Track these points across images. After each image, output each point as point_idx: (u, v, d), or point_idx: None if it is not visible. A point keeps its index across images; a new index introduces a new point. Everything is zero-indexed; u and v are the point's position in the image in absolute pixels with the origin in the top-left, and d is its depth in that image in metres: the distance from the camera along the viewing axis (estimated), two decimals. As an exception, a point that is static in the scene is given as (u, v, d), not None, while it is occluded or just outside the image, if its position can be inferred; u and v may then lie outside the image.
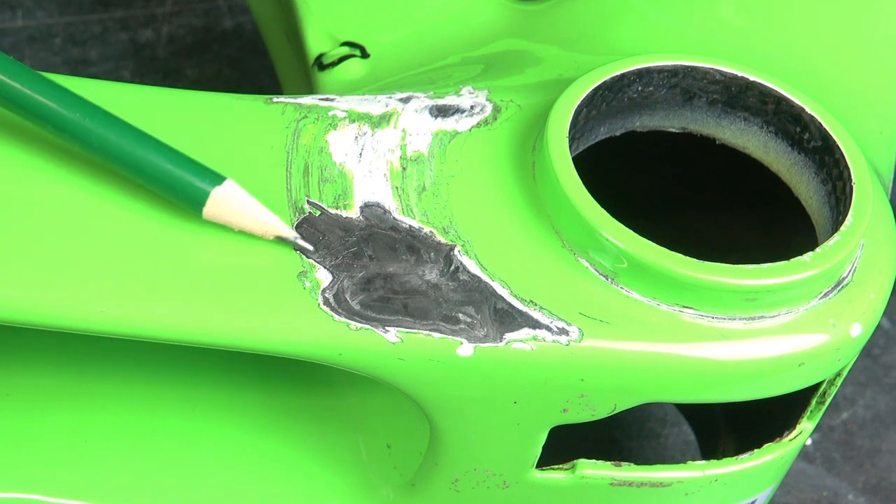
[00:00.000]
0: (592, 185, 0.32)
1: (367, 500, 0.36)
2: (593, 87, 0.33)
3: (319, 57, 0.40)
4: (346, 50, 0.40)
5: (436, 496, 0.34)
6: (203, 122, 0.33)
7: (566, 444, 0.34)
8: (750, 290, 0.30)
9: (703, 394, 0.31)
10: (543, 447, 0.32)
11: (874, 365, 0.53)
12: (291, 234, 0.30)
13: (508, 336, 0.30)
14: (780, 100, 0.34)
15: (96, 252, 0.30)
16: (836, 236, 0.31)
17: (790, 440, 0.34)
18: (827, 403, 0.35)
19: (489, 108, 0.34)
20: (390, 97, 0.35)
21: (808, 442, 0.50)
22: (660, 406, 0.49)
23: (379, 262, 0.31)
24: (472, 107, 0.34)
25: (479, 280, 0.30)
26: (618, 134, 0.36)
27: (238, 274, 0.30)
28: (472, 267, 0.31)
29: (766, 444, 0.34)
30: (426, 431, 0.32)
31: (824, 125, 0.33)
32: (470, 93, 0.35)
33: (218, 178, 0.30)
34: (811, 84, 0.35)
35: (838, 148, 0.33)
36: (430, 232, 0.31)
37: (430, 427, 0.32)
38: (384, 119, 0.34)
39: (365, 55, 0.40)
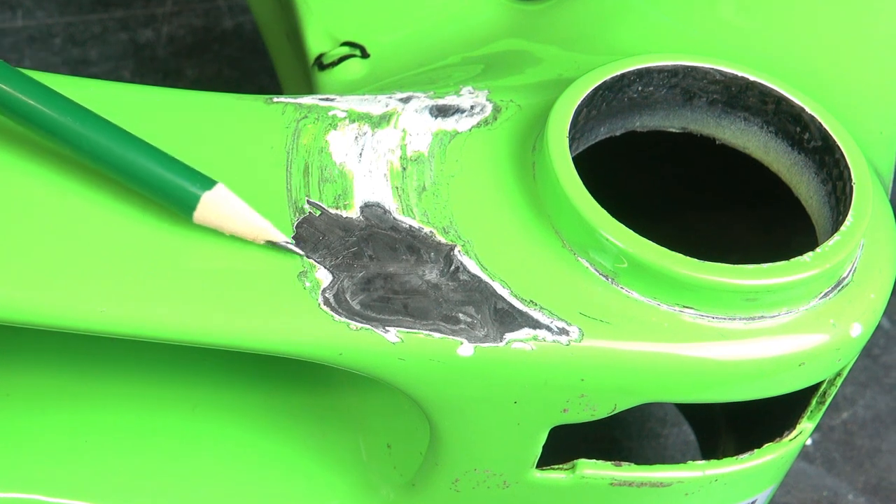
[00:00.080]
0: (592, 185, 0.32)
1: (367, 500, 0.36)
2: (593, 87, 0.33)
3: (319, 57, 0.40)
4: (346, 50, 0.40)
5: (436, 496, 0.34)
6: (203, 122, 0.33)
7: (566, 444, 0.34)
8: (750, 290, 0.30)
9: (703, 394, 0.31)
10: (543, 447, 0.32)
11: (874, 365, 0.53)
12: (282, 238, 0.30)
13: (508, 336, 0.30)
14: (780, 100, 0.34)
15: (96, 252, 0.30)
16: (836, 236, 0.31)
17: (790, 440, 0.34)
18: (827, 403, 0.35)
19: (489, 108, 0.34)
20: (390, 97, 0.35)
21: (808, 442, 0.50)
22: (660, 406, 0.49)
23: (379, 262, 0.31)
24: (472, 107, 0.34)
25: (480, 280, 0.30)
26: (618, 134, 0.36)
27: (238, 274, 0.30)
28: (473, 267, 0.31)
29: (766, 444, 0.34)
30: (426, 431, 0.32)
31: (824, 125, 0.33)
32: (470, 93, 0.35)
33: (209, 183, 0.30)
34: (811, 84, 0.35)
35: (838, 148, 0.33)
36: (431, 232, 0.31)
37: (430, 427, 0.32)
38: (384, 119, 0.34)
39: (365, 55, 0.40)
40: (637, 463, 0.33)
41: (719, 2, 0.36)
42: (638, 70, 0.34)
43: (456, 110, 0.34)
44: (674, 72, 0.34)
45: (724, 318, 0.30)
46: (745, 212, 0.41)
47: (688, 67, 0.34)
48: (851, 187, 0.32)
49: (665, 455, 0.49)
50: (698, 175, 0.40)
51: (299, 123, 0.34)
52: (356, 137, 0.33)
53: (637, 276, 0.30)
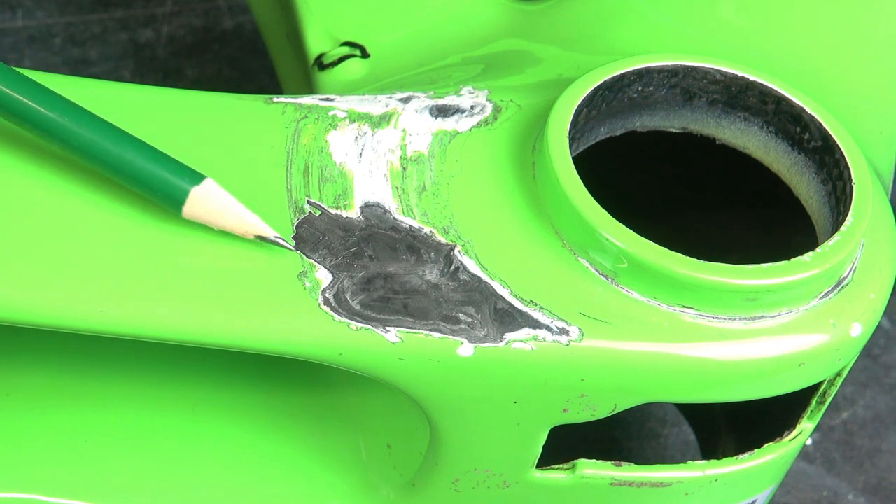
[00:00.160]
0: (592, 185, 0.32)
1: (367, 500, 0.36)
2: (593, 87, 0.33)
3: (319, 57, 0.40)
4: (346, 50, 0.40)
5: (436, 496, 0.34)
6: (203, 122, 0.33)
7: (566, 444, 0.34)
8: (750, 290, 0.30)
9: (703, 394, 0.31)
10: (543, 447, 0.32)
11: (874, 365, 0.53)
12: (272, 233, 0.30)
13: (508, 336, 0.30)
14: (780, 100, 0.34)
15: (96, 252, 0.30)
16: (837, 236, 0.31)
17: (790, 440, 0.34)
18: (827, 403, 0.35)
19: (489, 108, 0.34)
20: (390, 97, 0.35)
21: (808, 442, 0.50)
22: (660, 406, 0.49)
23: (379, 262, 0.31)
24: (472, 107, 0.34)
25: (480, 280, 0.30)
26: (618, 134, 0.36)
27: (238, 274, 0.30)
28: (473, 267, 0.31)
29: (766, 444, 0.34)
30: (426, 431, 0.32)
31: (824, 125, 0.33)
32: (470, 93, 0.35)
33: (198, 178, 0.30)
34: (811, 84, 0.35)
35: (838, 148, 0.33)
36: (431, 232, 0.31)
37: (430, 427, 0.32)
38: (384, 119, 0.34)
39: (365, 55, 0.40)
40: (637, 463, 0.33)
41: (719, 2, 0.36)
42: (638, 70, 0.34)
43: (456, 110, 0.34)
44: (674, 72, 0.34)
45: (724, 318, 0.30)
46: (745, 212, 0.41)
47: (688, 67, 0.34)
48: (851, 187, 0.32)
49: (665, 455, 0.49)
50: (698, 175, 0.40)
51: (299, 123, 0.34)
52: (356, 137, 0.33)
53: (637, 276, 0.30)
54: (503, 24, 0.40)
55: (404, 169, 0.33)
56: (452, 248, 0.31)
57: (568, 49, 0.38)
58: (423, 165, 0.33)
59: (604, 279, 0.31)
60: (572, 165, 0.31)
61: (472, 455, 0.32)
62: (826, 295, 0.31)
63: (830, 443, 0.50)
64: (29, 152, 0.31)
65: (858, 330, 0.31)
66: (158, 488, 0.35)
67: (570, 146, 0.32)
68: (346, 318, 0.29)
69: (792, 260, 0.30)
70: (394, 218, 0.32)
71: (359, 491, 0.36)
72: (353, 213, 0.32)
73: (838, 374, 0.34)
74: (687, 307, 0.30)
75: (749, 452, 0.34)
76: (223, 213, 0.30)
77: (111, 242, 0.30)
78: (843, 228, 0.31)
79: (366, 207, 0.32)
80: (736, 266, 0.30)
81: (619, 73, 0.34)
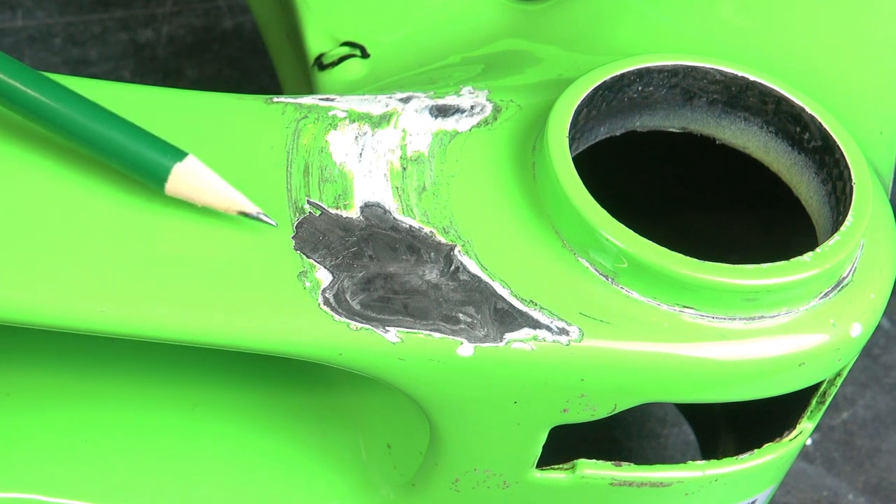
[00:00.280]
0: (592, 185, 0.32)
1: (367, 499, 0.36)
2: (593, 87, 0.33)
3: (319, 57, 0.40)
4: (346, 50, 0.40)
5: (436, 496, 0.34)
6: (203, 122, 0.33)
7: (566, 444, 0.34)
8: (750, 290, 0.30)
9: (703, 394, 0.31)
10: (543, 447, 0.32)
11: (874, 365, 0.53)
12: (254, 209, 0.30)
13: (508, 336, 0.30)
14: (780, 100, 0.34)
15: (96, 252, 0.30)
16: (837, 236, 0.31)
17: (790, 440, 0.34)
18: (827, 403, 0.35)
19: (489, 108, 0.34)
20: (390, 97, 0.35)
21: (808, 442, 0.50)
22: (660, 406, 0.49)
23: (379, 262, 0.31)
24: (472, 107, 0.34)
25: (480, 280, 0.30)
26: (618, 134, 0.36)
27: (238, 274, 0.30)
28: (473, 267, 0.31)
29: (766, 444, 0.34)
30: (426, 431, 0.32)
31: (824, 125, 0.33)
32: (470, 93, 0.35)
33: (180, 154, 0.30)
34: (811, 84, 0.35)
35: (838, 148, 0.33)
36: (431, 232, 0.31)
37: (430, 427, 0.32)
38: (384, 119, 0.34)
39: (365, 55, 0.40)
40: (637, 463, 0.33)
41: (719, 2, 0.36)
42: (638, 70, 0.34)
43: (456, 110, 0.34)
44: (674, 72, 0.34)
45: (724, 318, 0.30)
46: (745, 212, 0.41)
47: (688, 67, 0.34)
48: (851, 187, 0.32)
49: (665, 455, 0.49)
50: (698, 175, 0.40)
51: (299, 123, 0.34)
52: (356, 137, 0.33)
53: (637, 276, 0.30)
54: (503, 24, 0.40)
55: (404, 169, 0.33)
56: (452, 248, 0.31)
57: (568, 49, 0.38)
58: (423, 165, 0.33)
59: (604, 279, 0.31)
60: (572, 165, 0.31)
61: (472, 455, 0.32)
62: (826, 295, 0.31)
63: (830, 443, 0.50)
64: (25, 152, 0.31)
65: (858, 330, 0.31)
66: (158, 488, 0.35)
67: (570, 146, 0.32)
68: (346, 318, 0.29)
69: (792, 260, 0.30)
70: (394, 218, 0.32)
71: (359, 490, 0.36)
72: (353, 213, 0.32)
73: (838, 374, 0.34)
74: (687, 307, 0.30)
75: (749, 452, 0.34)
76: (205, 189, 0.30)
77: (111, 243, 0.30)
78: (843, 228, 0.31)
79: (366, 207, 0.32)
80: (736, 266, 0.30)
81: (618, 73, 0.34)
